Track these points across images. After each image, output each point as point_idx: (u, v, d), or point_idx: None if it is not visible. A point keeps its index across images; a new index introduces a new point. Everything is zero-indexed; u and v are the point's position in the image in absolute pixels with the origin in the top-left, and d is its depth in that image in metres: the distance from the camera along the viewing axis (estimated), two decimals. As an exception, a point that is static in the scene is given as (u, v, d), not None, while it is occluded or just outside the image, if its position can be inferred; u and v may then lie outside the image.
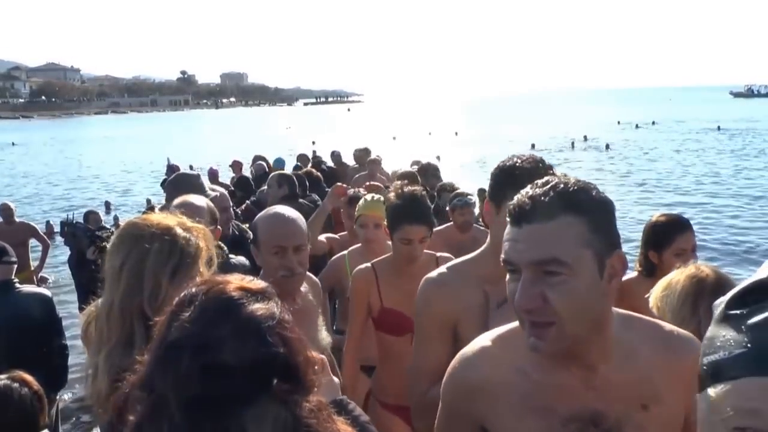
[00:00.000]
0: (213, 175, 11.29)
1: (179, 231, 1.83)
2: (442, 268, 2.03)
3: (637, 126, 45.23)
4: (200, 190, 3.46)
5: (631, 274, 3.17)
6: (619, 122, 48.80)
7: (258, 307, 1.14)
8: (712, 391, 0.72)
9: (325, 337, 2.41)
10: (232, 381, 1.06)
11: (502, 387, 1.33)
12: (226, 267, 2.77)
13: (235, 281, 1.19)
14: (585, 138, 34.68)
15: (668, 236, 3.04)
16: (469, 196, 4.84)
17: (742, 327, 0.72)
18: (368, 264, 3.02)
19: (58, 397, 3.90)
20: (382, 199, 3.54)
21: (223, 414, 1.06)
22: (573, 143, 32.29)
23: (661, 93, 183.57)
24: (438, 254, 2.98)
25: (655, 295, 1.96)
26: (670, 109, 71.93)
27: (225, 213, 3.77)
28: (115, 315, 1.77)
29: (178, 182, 3.57)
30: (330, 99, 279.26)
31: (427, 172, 7.38)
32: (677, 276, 1.91)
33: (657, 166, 23.81)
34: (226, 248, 3.32)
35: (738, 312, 0.74)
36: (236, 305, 1.13)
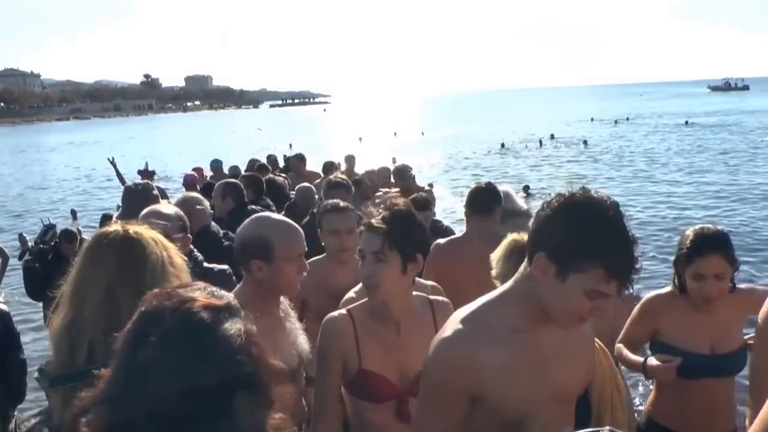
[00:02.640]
0: (190, 182, 9.84)
1: (142, 243, 1.85)
2: (460, 324, 1.66)
3: (616, 122, 45.60)
4: (155, 200, 3.43)
5: (664, 289, 2.86)
6: (592, 119, 49.21)
7: (227, 326, 1.15)
8: None
9: (303, 342, 2.44)
10: (204, 401, 1.08)
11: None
12: (205, 274, 2.77)
13: (201, 297, 1.19)
14: (552, 136, 34.45)
15: (689, 255, 2.63)
16: None
17: None
18: (343, 311, 2.35)
19: (16, 412, 3.84)
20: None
21: (193, 430, 1.08)
22: (541, 141, 32.44)
23: (635, 89, 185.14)
24: (432, 297, 2.42)
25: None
26: (643, 105, 72.75)
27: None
28: (78, 330, 1.77)
29: (132, 193, 3.56)
30: (296, 101, 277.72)
31: (403, 174, 7.35)
32: (508, 237, 2.61)
33: (636, 161, 23.83)
34: (201, 256, 3.31)
35: None
36: (206, 326, 1.13)
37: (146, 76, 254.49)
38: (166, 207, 2.95)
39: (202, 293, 1.20)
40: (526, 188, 17.88)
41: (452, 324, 1.67)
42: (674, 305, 2.74)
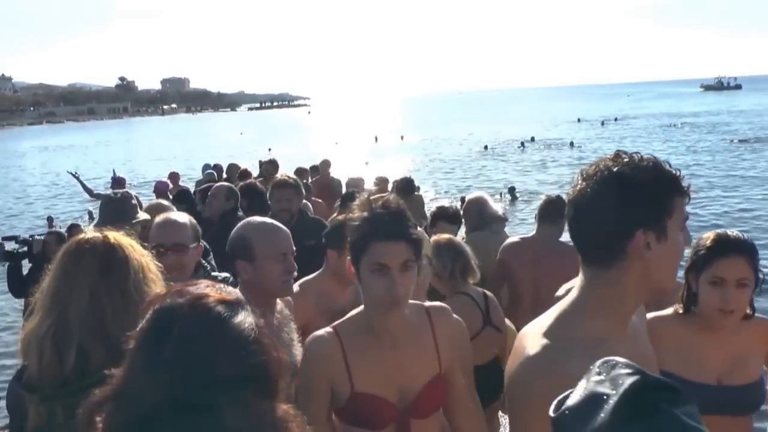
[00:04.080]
0: (161, 190, 9.73)
1: (123, 248, 1.86)
2: (546, 339, 1.47)
3: (602, 123, 45.61)
4: (134, 210, 3.40)
5: (666, 310, 2.48)
6: (579, 120, 49.25)
7: (241, 320, 1.19)
8: None
9: (296, 354, 2.36)
10: (222, 391, 1.12)
11: None
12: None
13: (213, 293, 1.22)
14: (532, 139, 33.91)
15: (707, 258, 2.33)
16: None
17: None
18: (328, 328, 2.07)
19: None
20: None
21: (213, 419, 1.11)
22: (523, 143, 32.30)
23: (623, 89, 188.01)
24: (427, 304, 2.18)
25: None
26: (631, 105, 73.63)
27: None
28: (63, 335, 1.73)
29: (111, 202, 3.48)
30: (275, 103, 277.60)
31: (406, 188, 7.13)
32: (432, 238, 2.93)
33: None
34: (208, 266, 3.32)
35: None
36: (222, 320, 1.18)
37: (121, 78, 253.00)
38: (180, 215, 2.94)
39: (212, 290, 1.24)
40: (512, 190, 17.69)
41: (536, 340, 1.51)
42: (677, 328, 2.41)
